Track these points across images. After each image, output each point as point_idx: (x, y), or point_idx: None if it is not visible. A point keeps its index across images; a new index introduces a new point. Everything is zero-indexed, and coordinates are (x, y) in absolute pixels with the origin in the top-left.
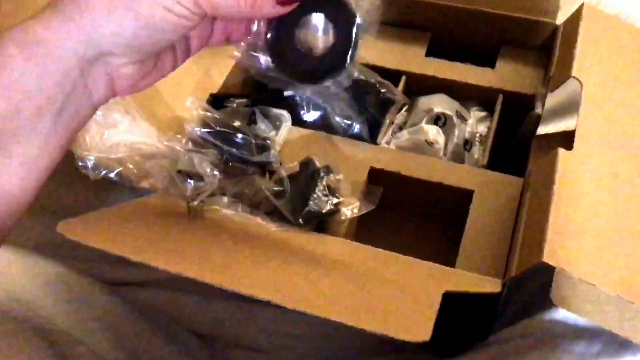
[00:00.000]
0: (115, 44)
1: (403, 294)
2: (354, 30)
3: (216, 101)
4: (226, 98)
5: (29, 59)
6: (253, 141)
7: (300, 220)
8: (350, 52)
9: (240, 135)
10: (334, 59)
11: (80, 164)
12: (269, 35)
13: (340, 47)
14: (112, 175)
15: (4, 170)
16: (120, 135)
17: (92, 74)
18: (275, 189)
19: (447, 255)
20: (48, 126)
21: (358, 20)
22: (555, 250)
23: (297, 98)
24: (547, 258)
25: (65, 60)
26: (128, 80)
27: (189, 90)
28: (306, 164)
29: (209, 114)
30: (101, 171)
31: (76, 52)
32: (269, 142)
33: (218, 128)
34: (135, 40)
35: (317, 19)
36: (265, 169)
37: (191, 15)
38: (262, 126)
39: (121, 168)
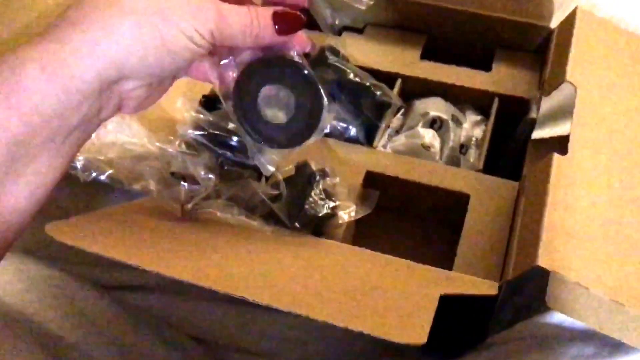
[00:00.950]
0: (137, 69)
1: (400, 297)
2: (318, 112)
3: (208, 102)
4: (218, 99)
5: (52, 82)
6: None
7: (297, 223)
8: (311, 132)
9: (235, 138)
10: (294, 132)
11: None
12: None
13: (301, 124)
14: (102, 177)
15: (12, 191)
16: (109, 136)
17: (107, 95)
18: (271, 192)
19: (444, 258)
20: (58, 145)
21: (324, 104)
22: (550, 254)
23: None
24: (542, 262)
25: (87, 84)
26: (136, 101)
27: (179, 90)
28: (302, 167)
29: (201, 116)
30: (91, 173)
31: (99, 76)
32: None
33: (211, 131)
34: (156, 65)
35: (281, 92)
36: (261, 172)
37: (206, 44)
38: None
39: (112, 170)
